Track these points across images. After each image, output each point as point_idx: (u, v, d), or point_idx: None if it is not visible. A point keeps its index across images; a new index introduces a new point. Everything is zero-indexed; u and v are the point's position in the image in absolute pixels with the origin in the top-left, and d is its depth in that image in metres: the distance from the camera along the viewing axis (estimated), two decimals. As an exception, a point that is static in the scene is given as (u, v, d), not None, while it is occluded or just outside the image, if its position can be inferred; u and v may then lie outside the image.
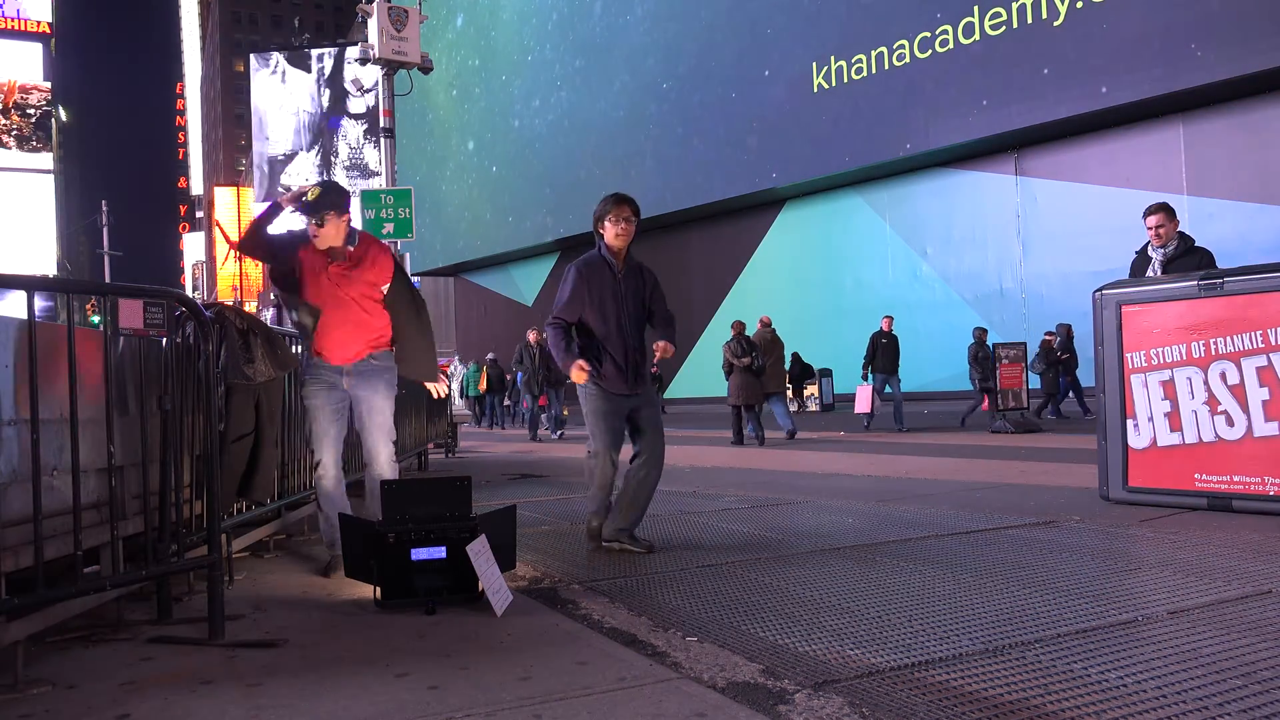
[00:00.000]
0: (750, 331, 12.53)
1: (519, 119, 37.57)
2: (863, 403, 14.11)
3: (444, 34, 39.61)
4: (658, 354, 4.38)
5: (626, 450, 4.41)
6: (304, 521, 5.08)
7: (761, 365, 12.04)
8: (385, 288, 4.16)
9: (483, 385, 24.09)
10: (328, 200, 3.95)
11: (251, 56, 55.30)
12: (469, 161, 41.15)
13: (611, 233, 4.33)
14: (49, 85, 56.49)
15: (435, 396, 4.74)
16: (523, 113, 37.30)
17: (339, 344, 4.02)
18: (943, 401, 21.47)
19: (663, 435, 4.48)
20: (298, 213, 4.01)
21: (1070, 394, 15.76)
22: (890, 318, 14.61)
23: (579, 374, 4.19)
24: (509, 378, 23.53)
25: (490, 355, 24.55)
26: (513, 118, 37.94)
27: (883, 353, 13.65)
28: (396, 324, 4.20)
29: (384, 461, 4.08)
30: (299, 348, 4.57)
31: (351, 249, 4.05)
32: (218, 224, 67.57)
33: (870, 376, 13.77)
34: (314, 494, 4.95)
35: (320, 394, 4.03)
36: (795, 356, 24.50)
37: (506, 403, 23.42)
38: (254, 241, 4.05)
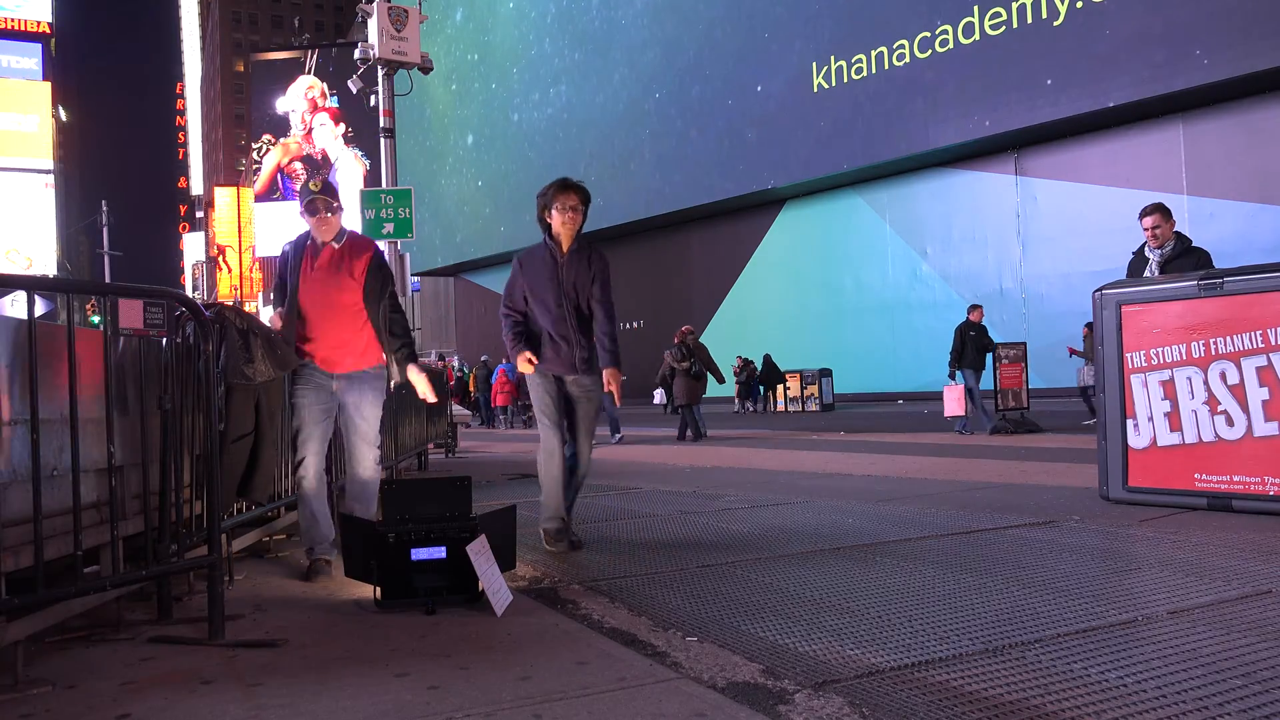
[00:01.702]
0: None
1: (518, 113, 37.61)
2: (952, 404, 12.35)
3: (443, 29, 39.64)
4: (607, 386, 4.34)
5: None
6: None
7: (701, 370, 13.10)
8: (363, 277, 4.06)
9: (471, 385, 24.27)
10: (331, 191, 4.08)
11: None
12: (468, 156, 41.18)
13: (558, 220, 4.24)
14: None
15: (421, 397, 4.55)
16: (521, 107, 37.34)
17: (331, 353, 4.03)
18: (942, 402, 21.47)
19: (589, 432, 4.43)
20: (304, 212, 4.04)
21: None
22: (980, 307, 12.81)
23: (525, 365, 4.24)
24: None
25: (484, 356, 24.64)
26: (511, 112, 37.98)
27: (971, 346, 12.19)
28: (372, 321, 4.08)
29: (367, 466, 4.08)
30: None
31: (337, 246, 4.08)
32: (221, 252, 67.65)
33: (959, 374, 12.25)
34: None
35: (309, 393, 4.02)
36: (766, 358, 24.80)
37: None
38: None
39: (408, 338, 4.24)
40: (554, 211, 4.25)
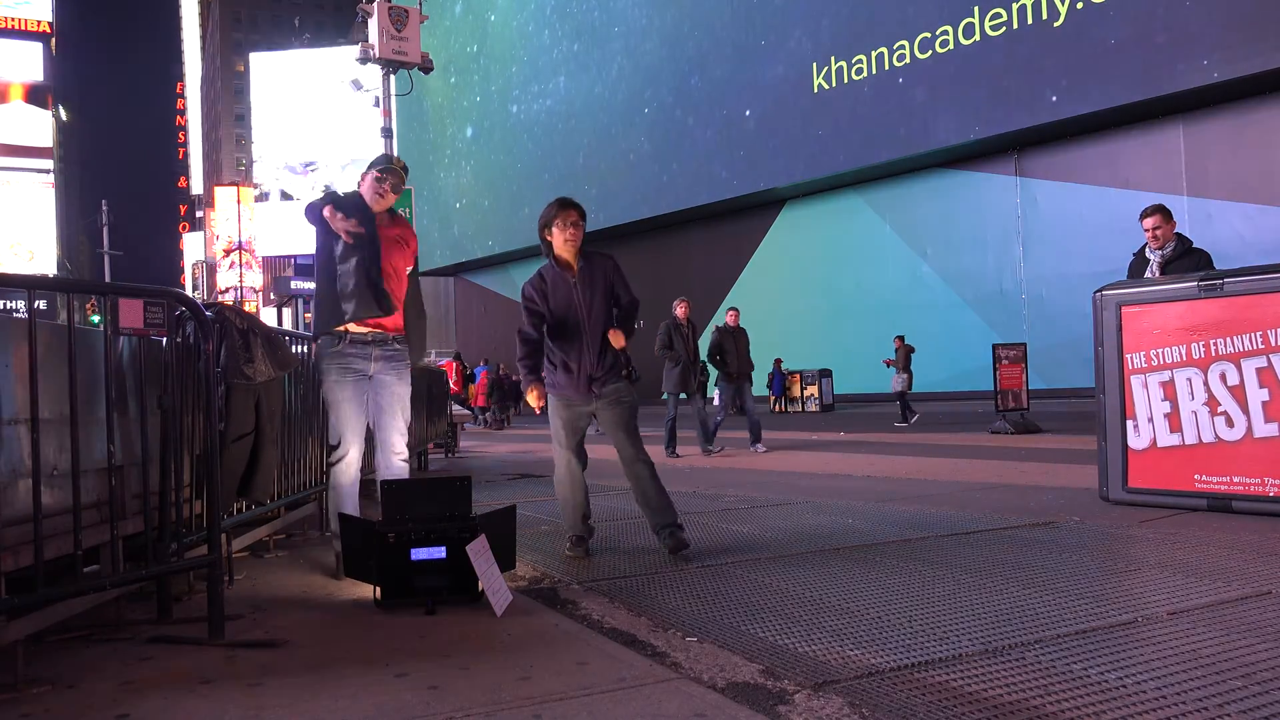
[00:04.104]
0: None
1: (517, 104, 37.63)
2: None
3: (442, 21, 39.62)
4: (613, 343, 4.20)
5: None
6: (304, 521, 5.08)
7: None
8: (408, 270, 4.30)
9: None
10: (400, 166, 4.20)
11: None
12: (466, 149, 41.16)
13: (560, 239, 4.16)
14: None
15: None
16: (520, 99, 37.37)
17: (385, 317, 4.08)
18: (943, 402, 21.47)
19: (632, 434, 4.27)
20: (373, 175, 4.09)
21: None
22: None
23: (535, 400, 4.09)
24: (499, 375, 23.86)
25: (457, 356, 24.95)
26: (510, 103, 37.99)
27: None
28: (405, 311, 4.27)
29: (400, 451, 4.10)
30: (302, 347, 4.59)
31: (391, 214, 4.21)
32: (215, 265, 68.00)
33: None
34: (314, 494, 4.95)
35: (346, 386, 3.99)
36: None
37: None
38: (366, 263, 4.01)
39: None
40: (554, 230, 4.18)
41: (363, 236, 3.90)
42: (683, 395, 10.29)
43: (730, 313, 10.99)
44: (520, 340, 4.22)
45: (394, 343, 4.11)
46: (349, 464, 4.01)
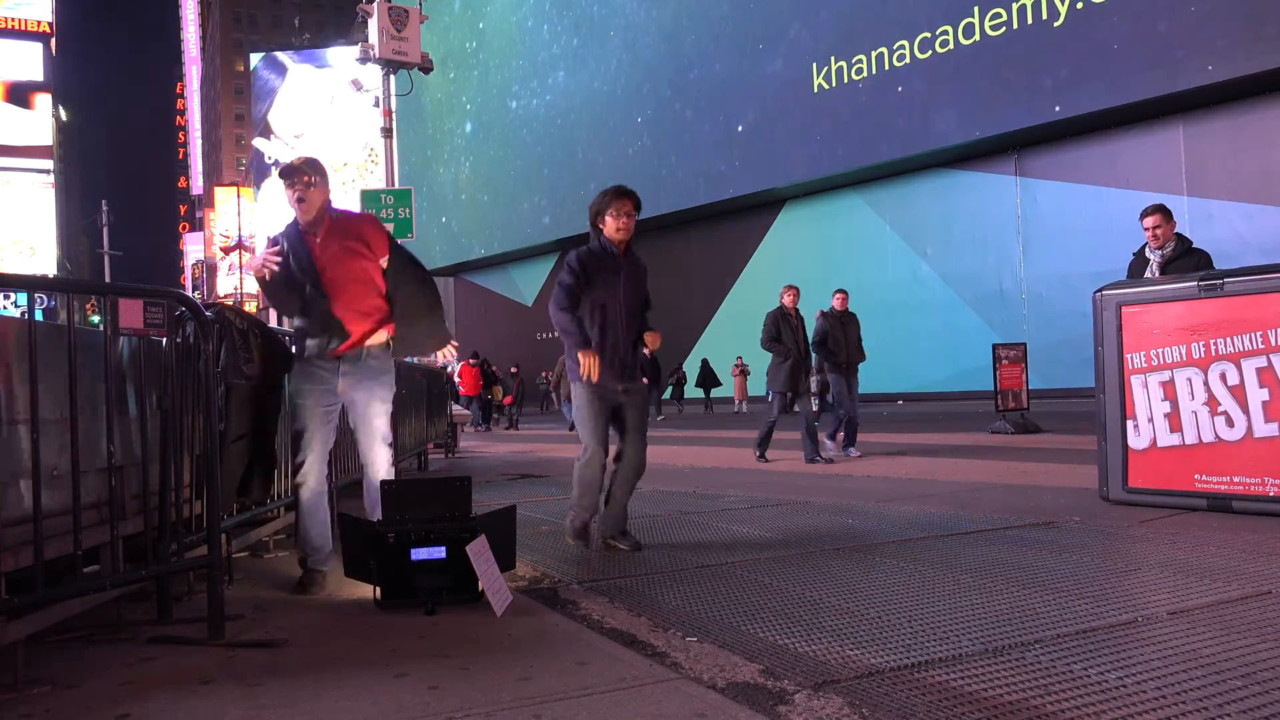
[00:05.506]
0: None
1: (516, 100, 37.66)
2: None
3: (441, 17, 39.61)
4: (648, 346, 4.34)
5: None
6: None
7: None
8: (383, 261, 3.91)
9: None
10: (309, 165, 3.80)
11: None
12: (466, 145, 41.16)
13: (613, 227, 4.25)
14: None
15: (444, 360, 4.65)
16: (520, 94, 37.40)
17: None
18: (943, 402, 21.48)
19: (644, 437, 4.39)
20: (283, 180, 3.82)
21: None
22: None
23: (590, 363, 4.05)
24: (510, 373, 23.98)
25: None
26: (509, 99, 38.01)
27: None
28: (401, 292, 3.96)
29: (382, 466, 3.89)
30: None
31: (331, 217, 3.82)
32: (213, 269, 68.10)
33: None
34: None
35: (311, 394, 3.79)
36: (704, 363, 25.52)
37: (506, 400, 23.69)
38: (283, 303, 3.86)
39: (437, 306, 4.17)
40: (608, 218, 4.27)
41: (289, 271, 3.74)
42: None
43: (838, 295, 9.84)
44: (559, 310, 4.22)
45: (367, 357, 3.84)
46: (306, 474, 3.78)
